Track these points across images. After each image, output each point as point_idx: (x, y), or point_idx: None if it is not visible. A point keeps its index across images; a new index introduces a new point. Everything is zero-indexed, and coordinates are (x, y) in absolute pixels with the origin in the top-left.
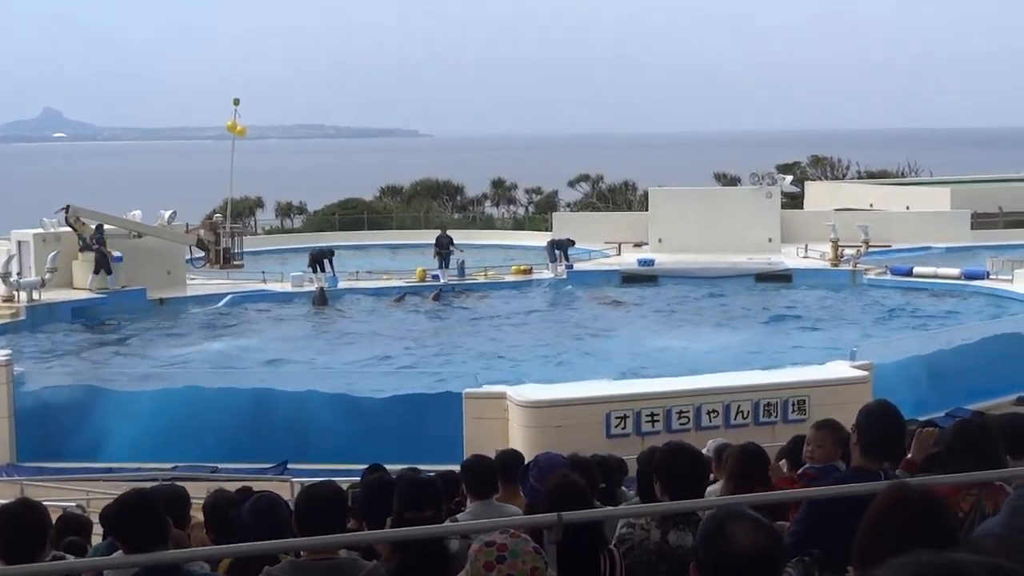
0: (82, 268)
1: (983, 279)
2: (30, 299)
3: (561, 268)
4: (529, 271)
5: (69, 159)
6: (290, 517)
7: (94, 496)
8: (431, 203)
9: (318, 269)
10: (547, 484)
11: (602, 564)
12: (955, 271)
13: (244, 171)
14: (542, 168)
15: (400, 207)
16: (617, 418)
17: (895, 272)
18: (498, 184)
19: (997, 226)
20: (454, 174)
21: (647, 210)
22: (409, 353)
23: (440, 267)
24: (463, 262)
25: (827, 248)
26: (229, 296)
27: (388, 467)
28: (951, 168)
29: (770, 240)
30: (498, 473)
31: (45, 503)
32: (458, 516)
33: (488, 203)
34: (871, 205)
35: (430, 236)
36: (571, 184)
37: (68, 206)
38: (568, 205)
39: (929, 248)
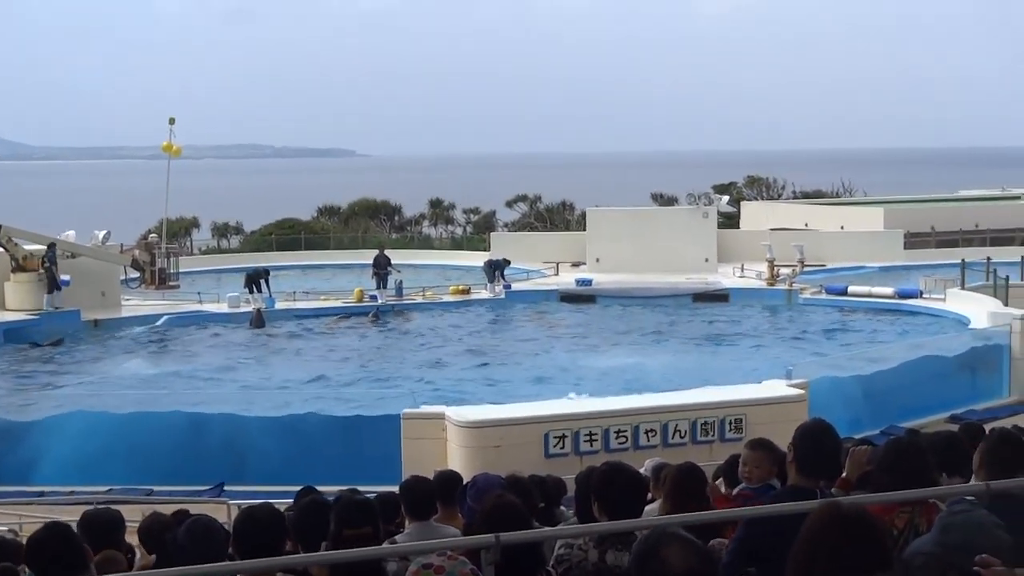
0: (14, 289)
1: (916, 298)
2: None
3: (499, 288)
4: (467, 291)
5: (3, 177)
6: (226, 540)
7: (27, 520)
8: (369, 223)
9: (254, 290)
10: (483, 504)
11: None
12: (889, 290)
13: (180, 191)
14: (480, 188)
15: (338, 227)
16: (555, 438)
17: (830, 291)
18: (436, 204)
19: (930, 245)
20: (392, 194)
21: (585, 230)
22: (347, 374)
23: (378, 287)
24: (401, 282)
25: (763, 268)
26: (165, 317)
27: (326, 488)
28: (884, 189)
29: (707, 260)
30: (436, 494)
31: None
32: (396, 537)
33: (426, 223)
34: (806, 225)
35: (368, 256)
36: (509, 204)
37: (0, 225)
38: (506, 225)
39: (863, 267)
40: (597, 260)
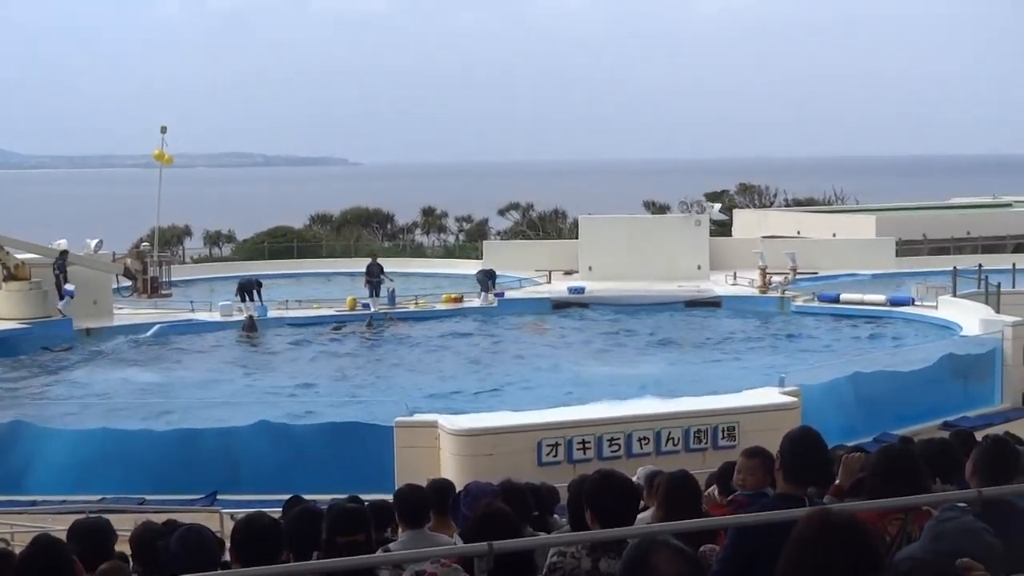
0: (5, 298)
1: (908, 305)
2: None
3: (491, 296)
4: (460, 299)
5: None
6: (218, 549)
7: (18, 530)
8: (361, 231)
9: (246, 299)
10: (473, 512)
11: None
12: (881, 297)
13: (172, 199)
14: (472, 196)
15: (330, 235)
16: (548, 446)
17: (822, 299)
18: (428, 212)
19: (922, 253)
20: (384, 202)
21: (577, 238)
22: (340, 382)
23: (371, 296)
24: (393, 290)
25: (755, 275)
26: (157, 326)
27: (319, 497)
28: (876, 196)
29: (699, 267)
30: (430, 502)
31: None
32: (390, 546)
33: (418, 231)
34: (798, 232)
35: (360, 265)
36: (501, 212)
37: None
38: (499, 233)
39: (855, 275)
40: (590, 268)
